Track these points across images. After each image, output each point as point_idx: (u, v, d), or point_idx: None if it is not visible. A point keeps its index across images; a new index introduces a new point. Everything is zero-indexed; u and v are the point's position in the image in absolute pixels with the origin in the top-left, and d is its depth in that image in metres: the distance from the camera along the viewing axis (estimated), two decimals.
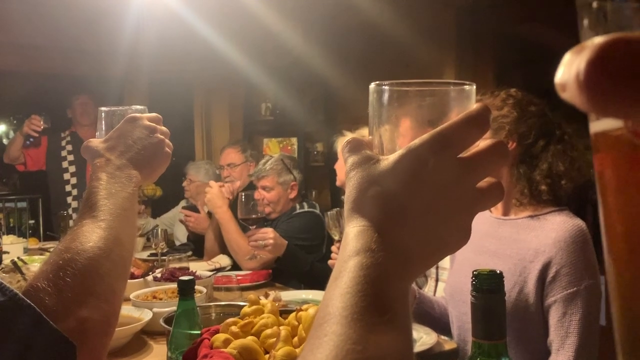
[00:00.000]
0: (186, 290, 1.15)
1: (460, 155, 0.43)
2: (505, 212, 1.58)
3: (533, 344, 1.42)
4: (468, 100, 0.46)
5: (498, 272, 0.62)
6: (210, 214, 3.01)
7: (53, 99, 3.96)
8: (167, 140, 0.94)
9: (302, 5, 3.22)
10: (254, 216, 2.38)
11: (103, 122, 0.96)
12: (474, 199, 0.44)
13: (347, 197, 0.46)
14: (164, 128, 0.94)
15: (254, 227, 2.40)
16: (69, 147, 4.02)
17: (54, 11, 3.17)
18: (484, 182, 0.44)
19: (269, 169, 2.75)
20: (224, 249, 2.76)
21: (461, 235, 0.44)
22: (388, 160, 0.44)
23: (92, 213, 0.75)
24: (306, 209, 2.75)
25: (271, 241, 2.32)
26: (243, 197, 2.38)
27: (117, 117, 0.93)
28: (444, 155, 0.43)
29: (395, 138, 0.46)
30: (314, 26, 3.63)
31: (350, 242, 0.43)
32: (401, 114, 0.46)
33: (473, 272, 0.63)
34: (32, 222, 4.18)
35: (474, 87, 0.46)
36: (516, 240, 1.50)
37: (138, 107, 0.96)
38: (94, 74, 4.14)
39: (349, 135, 2.42)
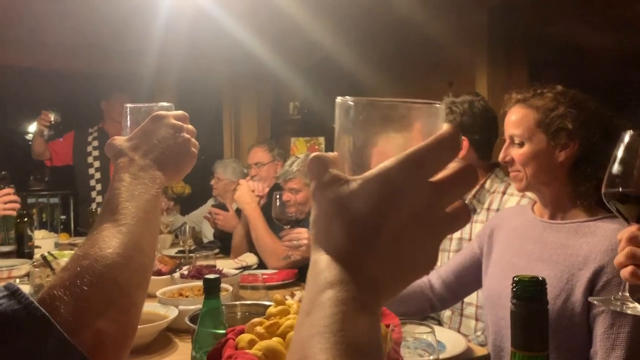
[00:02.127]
0: (211, 289, 1.14)
1: (431, 179, 0.42)
2: (553, 216, 1.51)
3: (576, 355, 1.36)
4: (437, 119, 0.44)
5: (540, 278, 0.59)
6: (238, 212, 3.01)
7: (84, 98, 4.02)
8: (193, 140, 0.91)
9: (332, 4, 3.19)
10: (288, 216, 2.37)
11: (128, 118, 0.93)
12: (443, 223, 0.43)
13: (314, 221, 0.44)
14: (190, 127, 0.91)
15: (288, 227, 2.38)
16: (95, 143, 4.08)
17: (85, 11, 3.21)
18: (452, 206, 0.43)
19: (296, 170, 2.71)
20: (251, 247, 2.76)
21: (430, 261, 0.43)
22: (357, 182, 0.42)
23: (112, 217, 0.72)
24: None
25: (305, 242, 2.30)
26: (278, 196, 2.38)
27: (143, 115, 0.91)
28: (415, 178, 0.41)
29: (363, 157, 0.44)
30: (343, 25, 3.60)
31: (322, 273, 0.41)
32: (369, 133, 0.44)
33: (513, 278, 0.59)
34: (63, 217, 4.26)
35: (443, 106, 0.45)
36: (564, 246, 1.42)
37: (164, 104, 0.94)
38: (124, 74, 4.19)
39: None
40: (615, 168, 0.88)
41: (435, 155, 0.42)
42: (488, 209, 1.96)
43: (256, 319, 1.08)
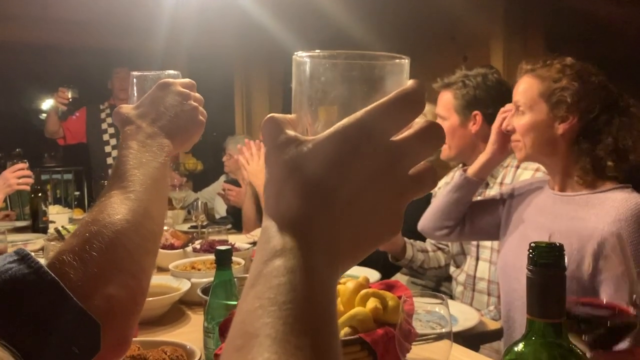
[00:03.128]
0: (223, 260, 1.14)
1: (393, 138, 0.39)
2: (562, 188, 1.50)
3: None
4: (401, 75, 0.41)
5: (558, 244, 0.57)
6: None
7: (95, 73, 4.02)
8: (200, 108, 0.89)
9: None
10: None
11: (135, 87, 0.92)
12: (406, 185, 0.40)
13: (266, 185, 0.41)
14: (197, 95, 0.90)
15: None
16: (109, 120, 4.07)
17: None
18: (417, 168, 0.40)
19: None
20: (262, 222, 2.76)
21: (393, 224, 0.40)
22: (312, 142, 0.39)
23: (121, 183, 0.71)
24: None
25: None
26: None
27: (150, 83, 0.90)
28: (374, 138, 0.38)
29: (321, 117, 0.41)
30: None
31: (270, 240, 0.38)
32: (328, 89, 0.41)
33: (530, 244, 0.58)
34: (77, 193, 4.30)
35: (408, 61, 0.42)
36: (574, 218, 1.42)
37: (171, 72, 0.92)
38: (135, 49, 4.17)
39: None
40: None
41: (397, 113, 0.39)
42: (501, 183, 1.93)
43: None
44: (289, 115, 0.42)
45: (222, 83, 4.89)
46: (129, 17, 3.82)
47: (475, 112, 1.96)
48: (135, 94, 0.91)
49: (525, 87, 1.49)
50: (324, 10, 3.47)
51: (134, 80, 0.92)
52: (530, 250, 0.57)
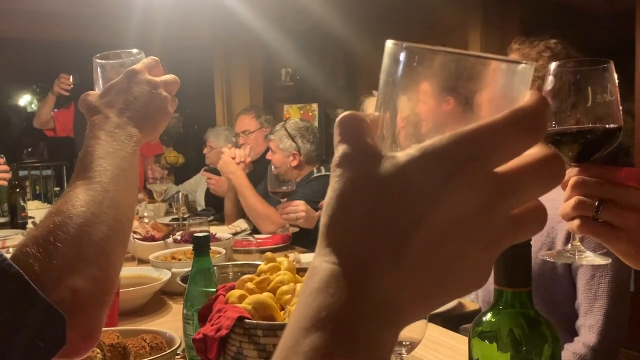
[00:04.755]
0: (201, 247, 1.14)
1: (498, 169, 0.30)
2: None
3: (561, 306, 1.38)
4: (521, 85, 0.32)
5: None
6: None
7: (72, 66, 3.96)
8: (169, 96, 0.85)
9: None
10: (284, 188, 2.36)
11: (99, 72, 0.89)
12: (505, 231, 0.31)
13: (327, 208, 0.32)
14: (170, 78, 0.87)
15: (285, 200, 2.38)
16: None
17: None
18: (522, 207, 0.31)
19: (274, 132, 2.78)
20: (243, 214, 2.76)
21: (479, 277, 0.31)
22: (395, 161, 0.30)
23: (86, 174, 0.70)
24: (323, 172, 2.72)
25: (303, 214, 2.31)
26: (273, 169, 2.37)
27: (113, 68, 0.87)
28: (474, 167, 0.30)
29: (413, 121, 0.33)
30: None
31: (316, 295, 0.30)
32: (426, 88, 0.33)
33: None
34: (57, 189, 4.25)
35: (533, 66, 0.33)
36: (543, 199, 1.43)
37: (133, 51, 0.89)
38: (107, 41, 4.11)
39: (374, 97, 2.36)
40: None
41: (508, 138, 0.30)
42: None
43: (246, 276, 1.08)
44: (370, 114, 0.34)
45: (202, 74, 4.85)
46: (100, 8, 3.76)
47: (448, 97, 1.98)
48: (101, 80, 0.88)
49: None
50: (300, 1, 3.46)
51: (97, 65, 0.89)
52: None
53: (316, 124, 4.34)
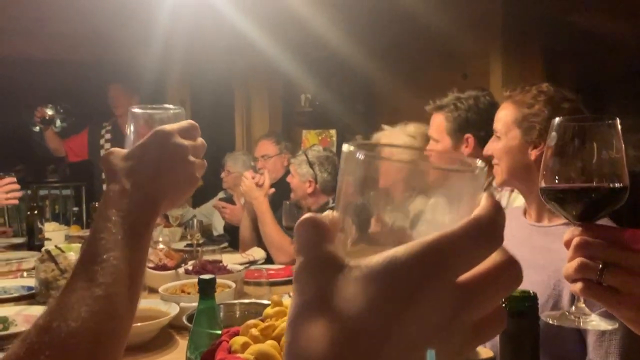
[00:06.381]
0: (206, 290, 1.12)
1: (460, 280, 0.30)
2: (539, 218, 1.49)
3: None
4: (474, 188, 0.32)
5: (532, 294, 0.55)
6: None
7: (92, 88, 4.05)
8: (198, 162, 0.76)
9: None
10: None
11: (132, 125, 0.81)
12: (468, 338, 0.30)
13: (290, 317, 0.31)
14: (199, 142, 0.77)
15: None
16: (108, 136, 4.07)
17: (88, 1, 3.22)
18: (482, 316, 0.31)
19: (297, 156, 2.85)
20: (259, 241, 2.75)
21: None
22: (357, 273, 0.29)
23: (88, 275, 0.62)
24: None
25: None
26: (288, 205, 2.39)
27: (148, 121, 0.81)
28: (438, 277, 0.29)
29: (371, 232, 0.33)
30: (354, 16, 3.55)
31: None
32: (382, 200, 0.32)
33: None
34: (76, 209, 4.30)
35: (483, 169, 0.33)
36: (550, 250, 1.39)
37: (172, 109, 0.81)
38: (128, 63, 4.18)
39: (387, 130, 2.33)
40: (552, 161, 0.73)
41: (468, 249, 0.30)
42: None
43: (251, 321, 1.06)
44: (329, 215, 0.33)
45: (223, 99, 4.89)
46: (122, 31, 3.84)
47: (468, 135, 1.95)
48: (132, 135, 0.81)
49: (503, 114, 1.52)
50: (322, 28, 3.48)
51: (131, 116, 0.82)
52: (503, 300, 0.55)
53: (334, 149, 4.34)
